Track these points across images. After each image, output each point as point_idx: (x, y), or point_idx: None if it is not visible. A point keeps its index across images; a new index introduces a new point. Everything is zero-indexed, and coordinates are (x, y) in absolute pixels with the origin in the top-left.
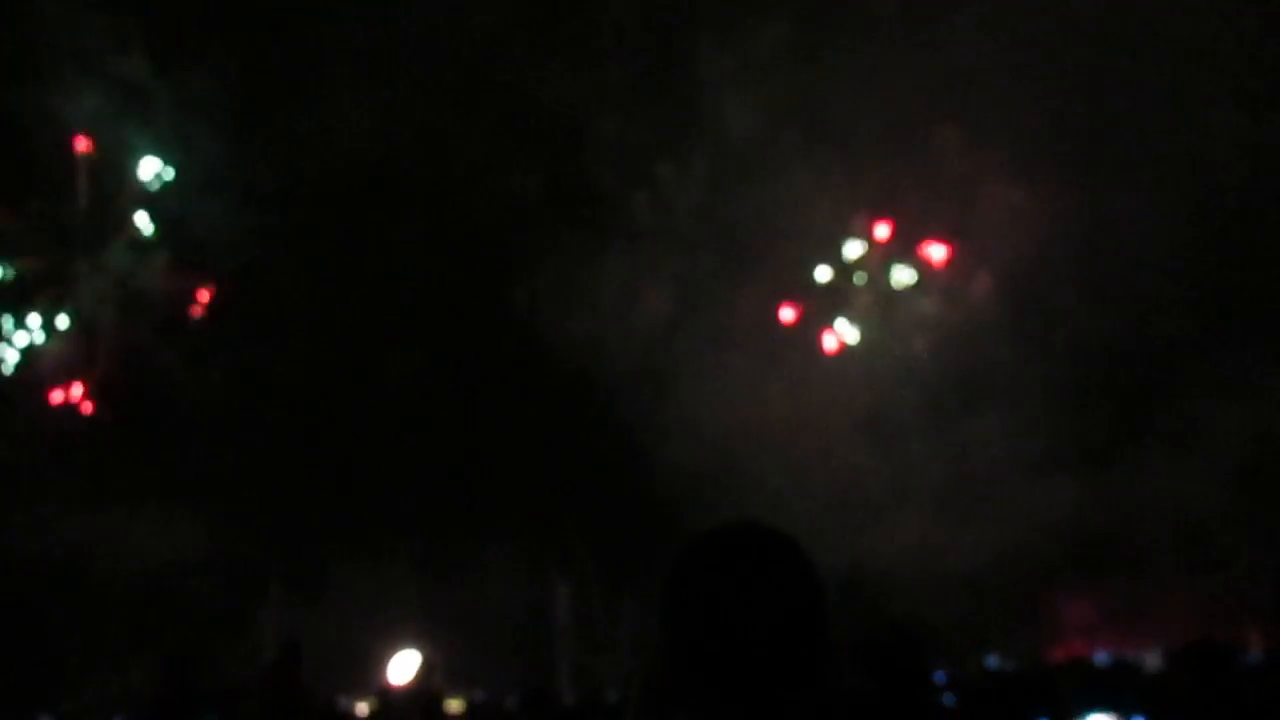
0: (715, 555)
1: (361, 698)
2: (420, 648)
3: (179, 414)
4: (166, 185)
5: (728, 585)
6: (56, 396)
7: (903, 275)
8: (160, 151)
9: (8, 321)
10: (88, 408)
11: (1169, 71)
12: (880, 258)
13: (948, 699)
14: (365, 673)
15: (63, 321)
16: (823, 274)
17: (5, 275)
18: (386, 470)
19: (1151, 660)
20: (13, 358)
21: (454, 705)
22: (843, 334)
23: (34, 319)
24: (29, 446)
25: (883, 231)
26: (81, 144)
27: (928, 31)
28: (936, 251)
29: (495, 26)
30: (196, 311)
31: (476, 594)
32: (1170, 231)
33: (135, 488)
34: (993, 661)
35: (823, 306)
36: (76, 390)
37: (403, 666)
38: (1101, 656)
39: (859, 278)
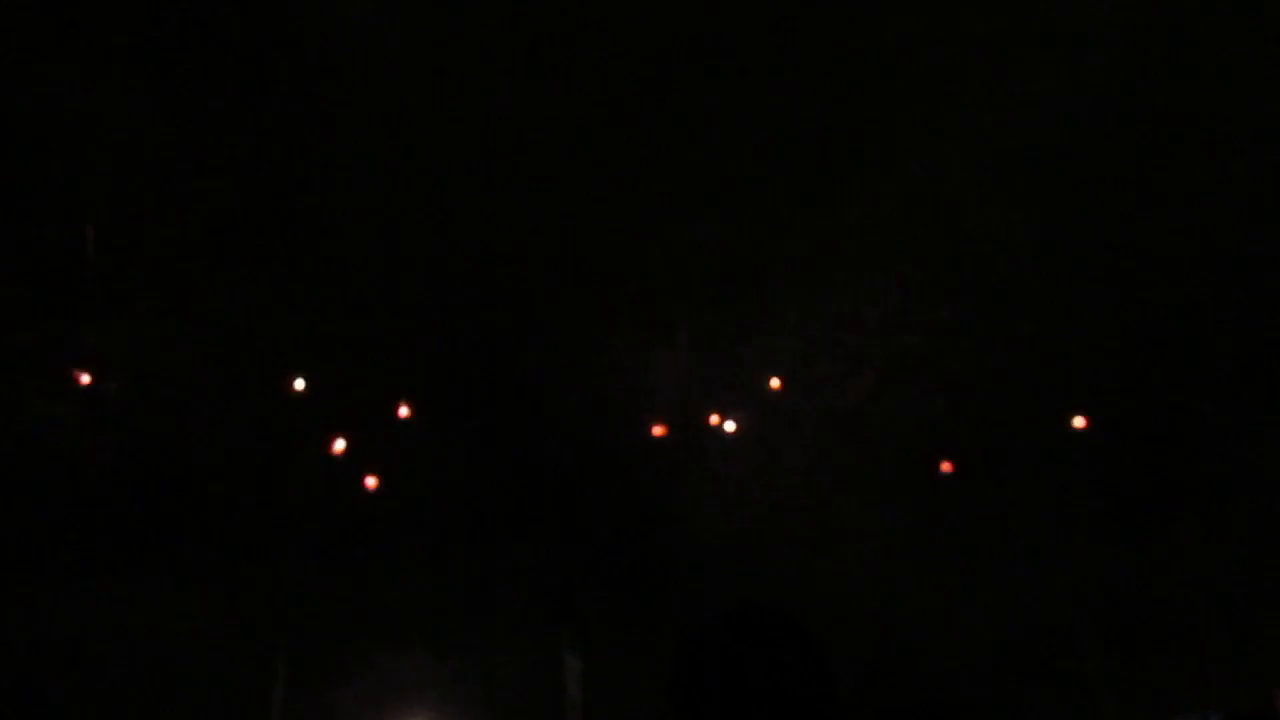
0: (722, 638)
1: None
2: None
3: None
4: None
5: (735, 669)
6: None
7: None
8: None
9: None
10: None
11: None
12: None
13: None
14: None
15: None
16: None
17: None
18: (395, 549)
19: None
20: None
21: None
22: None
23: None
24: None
25: None
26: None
27: None
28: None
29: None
30: None
31: (486, 671)
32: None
33: (141, 563)
34: None
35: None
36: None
37: None
38: None
39: None
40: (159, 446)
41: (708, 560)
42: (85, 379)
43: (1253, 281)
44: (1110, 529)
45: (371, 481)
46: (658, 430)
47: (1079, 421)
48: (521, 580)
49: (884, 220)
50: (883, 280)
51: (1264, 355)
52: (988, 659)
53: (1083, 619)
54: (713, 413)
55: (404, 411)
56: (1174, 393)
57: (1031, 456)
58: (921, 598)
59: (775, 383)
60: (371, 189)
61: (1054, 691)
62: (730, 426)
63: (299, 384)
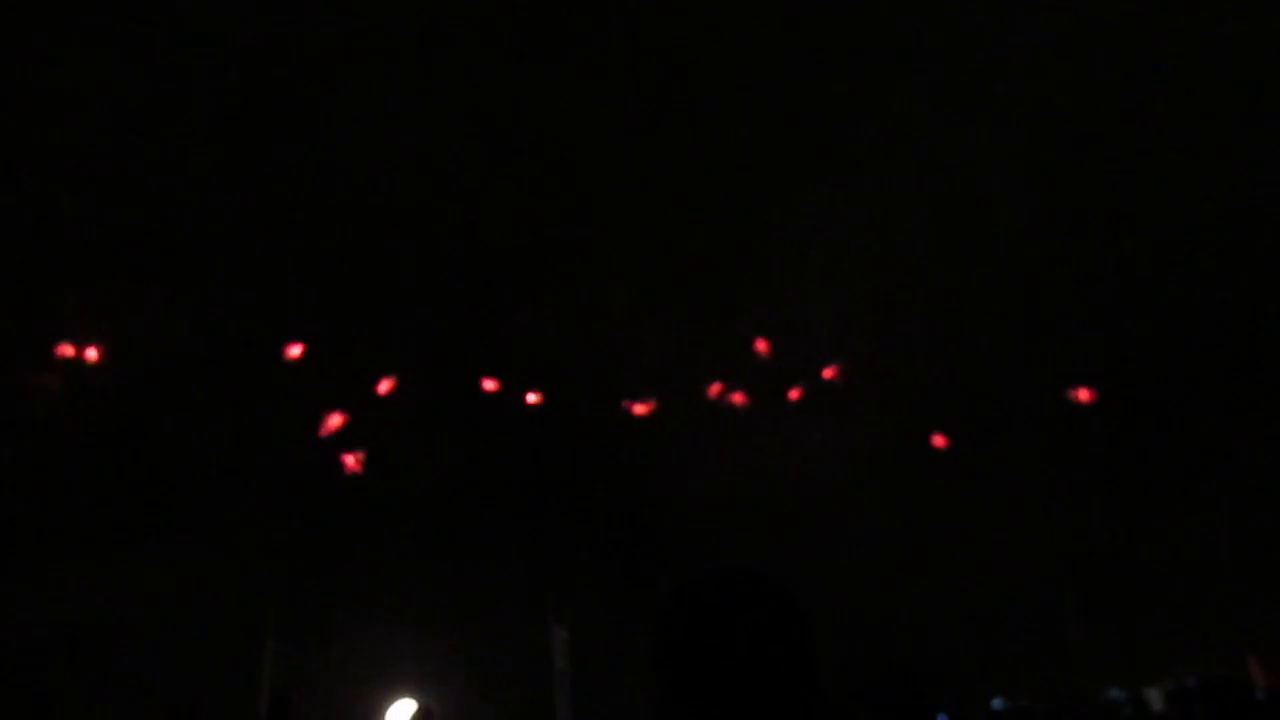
0: (702, 600)
1: None
2: (417, 695)
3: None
4: None
5: (714, 630)
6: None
7: None
8: None
9: None
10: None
11: None
12: None
13: None
14: None
15: None
16: None
17: None
18: (387, 516)
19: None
20: None
21: None
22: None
23: None
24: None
25: None
26: None
27: None
28: None
29: None
30: None
31: (474, 639)
32: None
33: (134, 529)
34: (998, 703)
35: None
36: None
37: (400, 716)
38: (1114, 693)
39: None
40: (152, 416)
41: (694, 533)
42: (69, 350)
43: (1254, 263)
44: (1094, 501)
45: (351, 460)
46: (642, 408)
47: (1083, 394)
48: (509, 553)
49: (886, 193)
50: (880, 253)
51: (1259, 337)
52: (971, 623)
53: (1065, 587)
54: (702, 385)
55: (388, 385)
56: (1166, 371)
57: (1022, 430)
58: (909, 566)
59: (764, 354)
60: (365, 158)
61: (1035, 655)
62: (720, 399)
63: (294, 352)
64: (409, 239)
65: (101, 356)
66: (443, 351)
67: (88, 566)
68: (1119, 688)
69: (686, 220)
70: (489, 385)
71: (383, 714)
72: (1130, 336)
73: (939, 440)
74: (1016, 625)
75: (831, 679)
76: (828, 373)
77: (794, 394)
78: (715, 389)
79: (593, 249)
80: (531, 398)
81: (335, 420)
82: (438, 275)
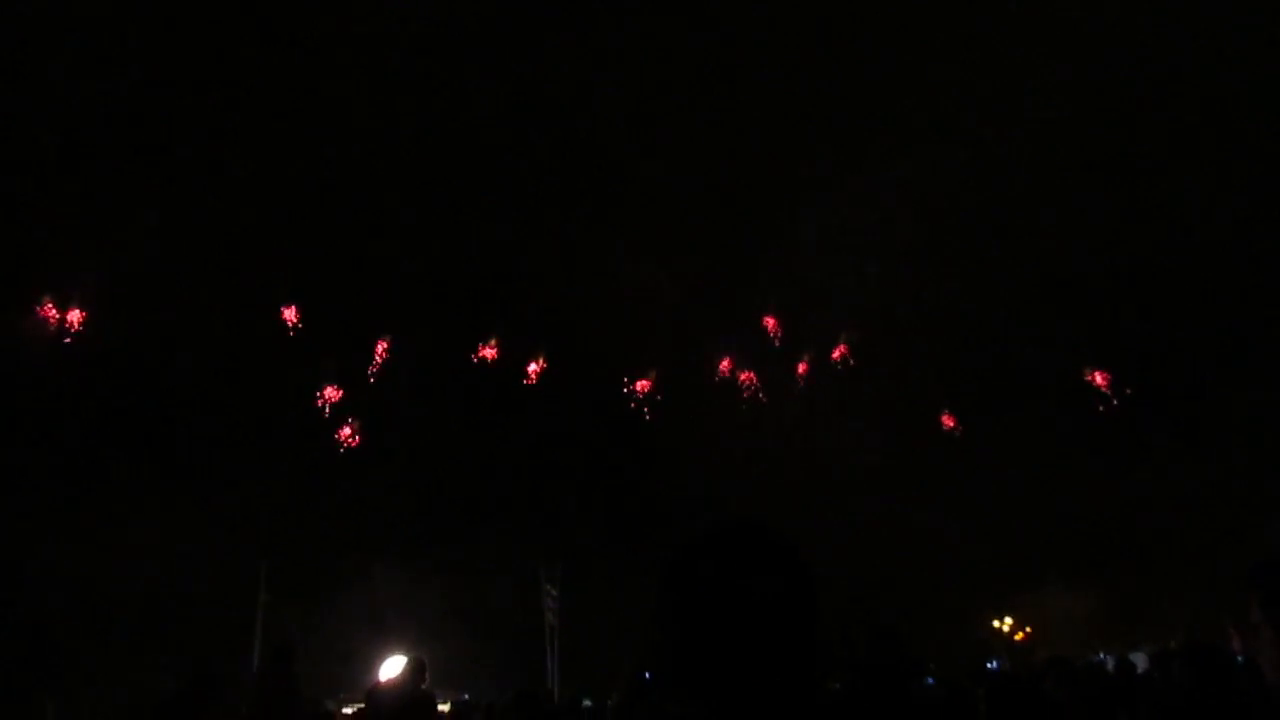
0: (710, 553)
1: (353, 702)
2: (412, 650)
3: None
4: None
5: (720, 582)
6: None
7: None
8: None
9: None
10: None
11: None
12: None
13: (934, 691)
14: (358, 676)
15: None
16: None
17: None
18: (381, 477)
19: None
20: None
21: (443, 707)
22: None
23: None
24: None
25: None
26: None
27: None
28: None
29: None
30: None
31: (468, 597)
32: None
33: (138, 490)
34: (995, 664)
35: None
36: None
37: (393, 670)
38: (1098, 657)
39: None
40: (147, 369)
41: (686, 500)
42: (53, 311)
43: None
44: (1081, 472)
45: (348, 431)
46: (644, 384)
47: (1099, 378)
48: (505, 515)
49: (894, 171)
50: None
51: (1261, 311)
52: (955, 582)
53: (1049, 555)
54: (705, 356)
55: (383, 346)
56: (1166, 345)
57: (1030, 408)
58: (903, 526)
59: (771, 328)
60: (373, 110)
61: (1017, 616)
62: (730, 376)
63: (289, 314)
64: (407, 191)
65: (85, 319)
66: (442, 309)
67: (85, 524)
68: (1104, 652)
69: (701, 191)
70: (488, 352)
71: (377, 669)
72: (1146, 321)
73: (948, 420)
74: (1001, 586)
75: (828, 638)
76: (836, 354)
77: (801, 368)
78: (725, 365)
79: (597, 198)
80: (533, 367)
81: (332, 393)
82: (438, 226)
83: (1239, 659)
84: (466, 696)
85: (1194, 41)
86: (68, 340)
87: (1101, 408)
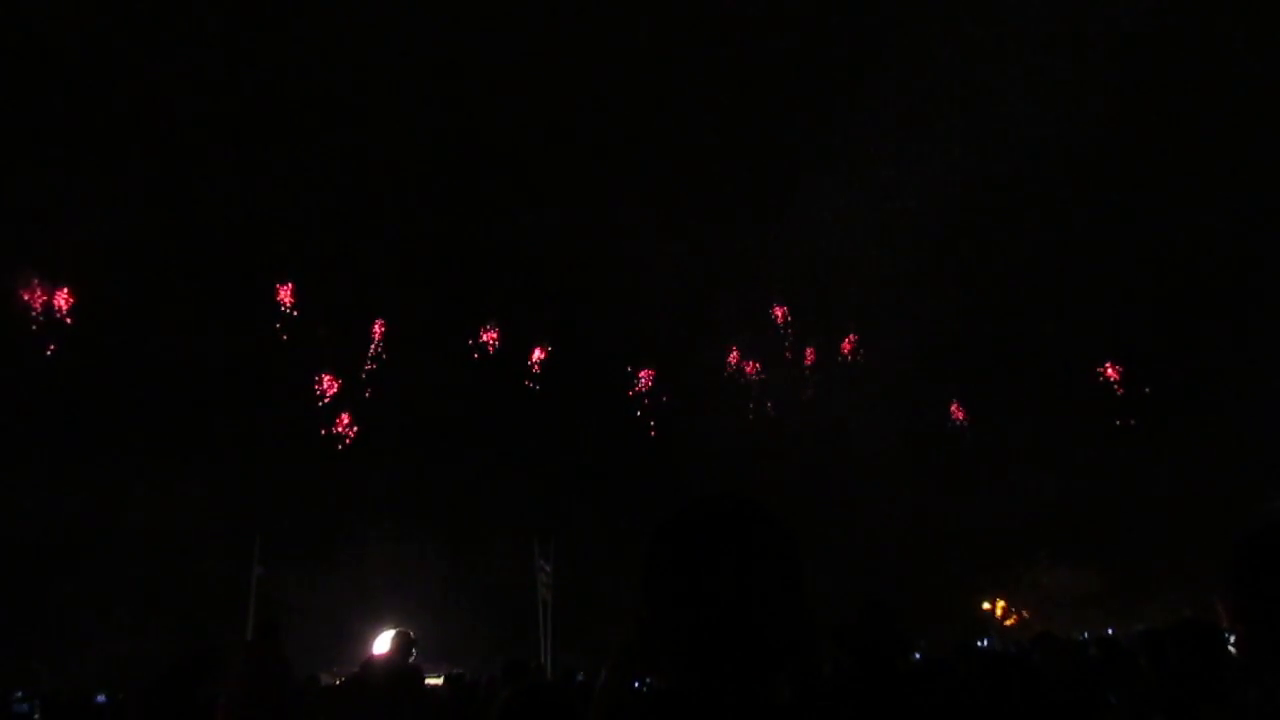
0: (695, 526)
1: (346, 674)
2: (406, 624)
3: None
4: None
5: (706, 555)
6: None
7: None
8: None
9: None
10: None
11: None
12: None
13: (923, 667)
14: (351, 648)
15: None
16: None
17: None
18: (378, 451)
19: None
20: None
21: (434, 680)
22: None
23: None
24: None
25: None
26: None
27: None
28: None
29: None
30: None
31: (463, 571)
32: None
33: (137, 460)
34: (986, 642)
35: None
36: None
37: (387, 644)
38: (1088, 634)
39: None
40: (144, 345)
41: (675, 478)
42: (39, 294)
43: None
44: (1078, 454)
45: (346, 421)
46: (646, 372)
47: (1111, 372)
48: (500, 492)
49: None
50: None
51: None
52: (953, 559)
53: (1043, 535)
54: (719, 351)
55: (380, 327)
56: (1175, 335)
57: (1024, 390)
58: (903, 507)
59: (778, 315)
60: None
61: (1014, 600)
62: (736, 367)
63: (285, 292)
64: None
65: (72, 298)
66: (442, 289)
67: (82, 490)
68: (1091, 628)
69: (713, 169)
70: (488, 336)
71: (370, 643)
72: (1156, 314)
73: (957, 412)
74: (997, 567)
75: (815, 610)
76: (846, 345)
77: (809, 357)
78: (733, 356)
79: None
80: (537, 354)
81: (329, 382)
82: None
83: (1226, 634)
84: (459, 670)
85: (1225, 33)
86: (63, 317)
87: (1118, 391)
